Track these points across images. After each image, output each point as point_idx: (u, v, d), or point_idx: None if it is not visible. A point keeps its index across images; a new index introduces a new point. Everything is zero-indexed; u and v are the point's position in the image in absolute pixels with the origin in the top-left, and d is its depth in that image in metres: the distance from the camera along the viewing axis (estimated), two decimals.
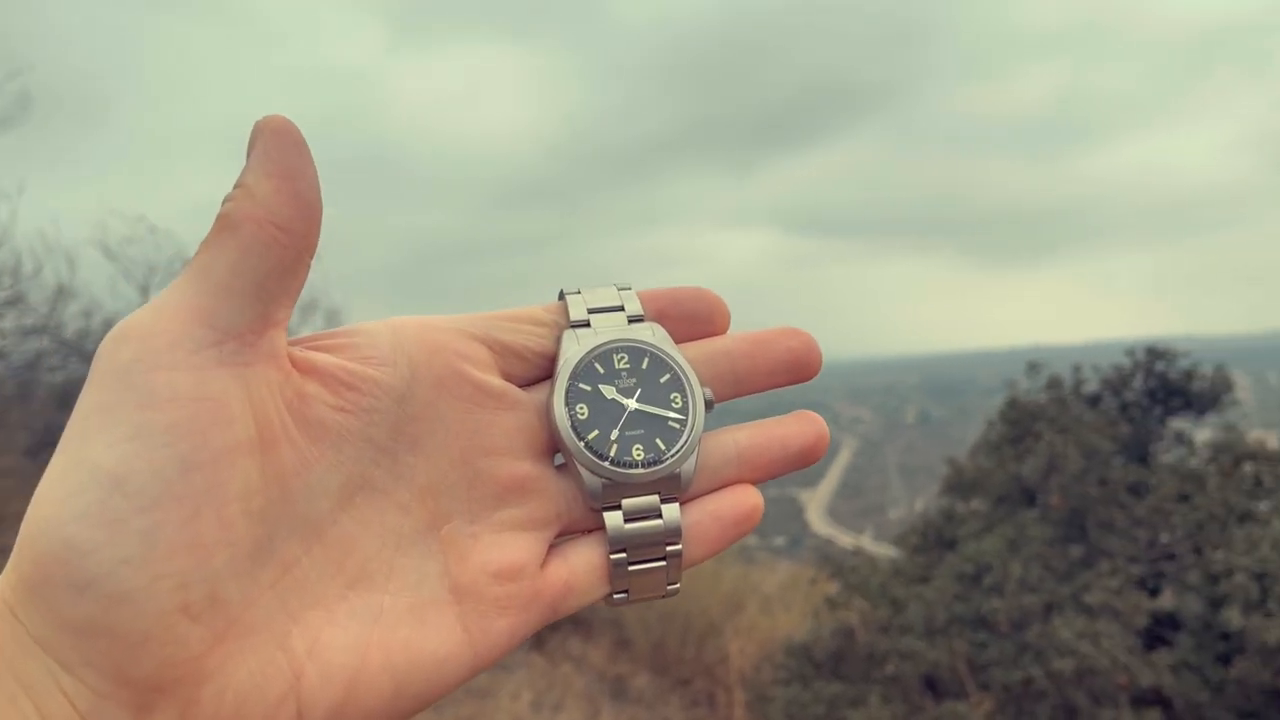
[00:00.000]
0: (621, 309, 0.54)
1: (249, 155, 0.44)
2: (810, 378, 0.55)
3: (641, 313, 0.54)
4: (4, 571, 0.41)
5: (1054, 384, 6.67)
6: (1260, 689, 5.05)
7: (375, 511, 0.47)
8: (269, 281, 0.44)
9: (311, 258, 0.45)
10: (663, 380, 0.52)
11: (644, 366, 0.52)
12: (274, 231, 0.43)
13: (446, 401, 0.49)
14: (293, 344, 0.47)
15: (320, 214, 0.45)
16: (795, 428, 0.54)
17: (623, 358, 0.52)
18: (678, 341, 0.54)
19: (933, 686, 5.56)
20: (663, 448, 0.51)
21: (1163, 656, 5.17)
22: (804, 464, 0.54)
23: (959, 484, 6.68)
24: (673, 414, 0.51)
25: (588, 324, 0.53)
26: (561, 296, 0.54)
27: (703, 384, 0.53)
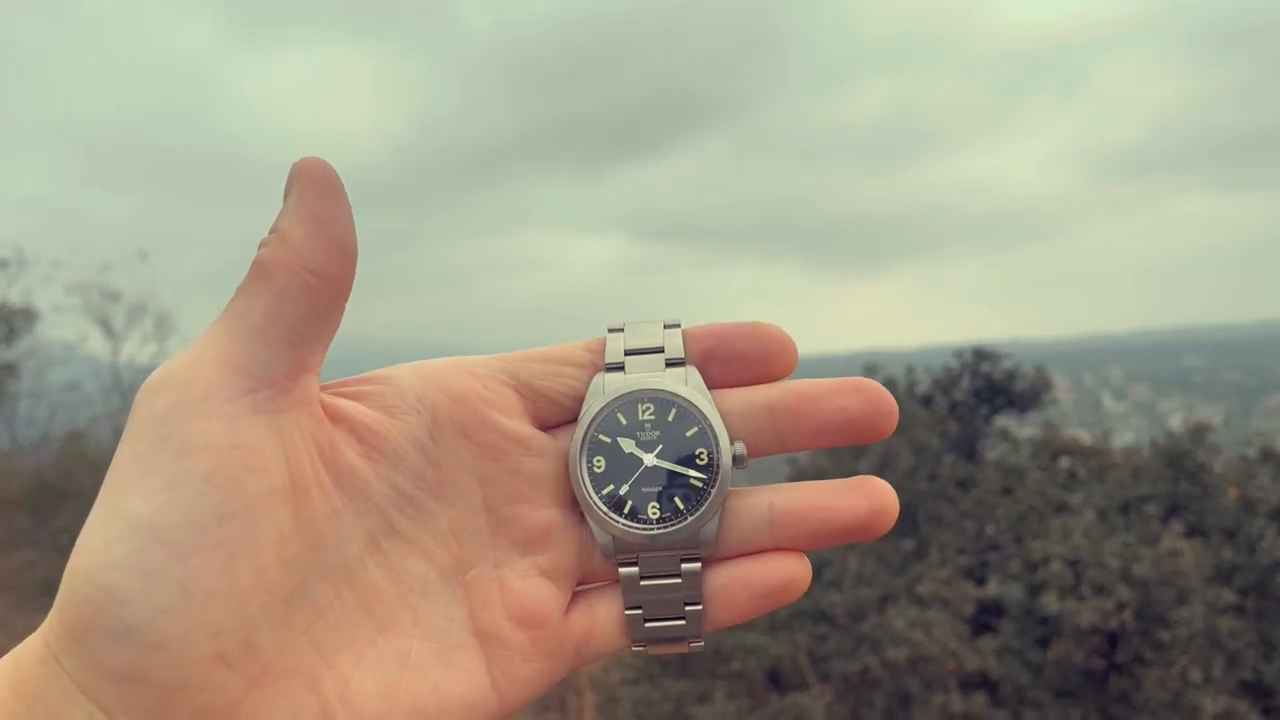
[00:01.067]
0: (661, 350, 0.51)
1: (285, 198, 0.45)
2: (878, 439, 0.49)
3: (681, 356, 0.50)
4: (48, 618, 0.42)
5: (889, 386, 6.95)
6: (1076, 669, 5.38)
7: (401, 558, 0.48)
8: (303, 328, 0.44)
9: (345, 302, 0.46)
10: (689, 434, 0.49)
11: (670, 418, 0.49)
12: (308, 278, 0.44)
13: (470, 449, 0.49)
14: (322, 389, 0.48)
15: (355, 259, 0.45)
16: (844, 499, 0.48)
17: (648, 408, 0.50)
18: (728, 385, 0.51)
19: (776, 680, 5.71)
20: (680, 507, 0.48)
21: (988, 642, 5.44)
22: (853, 540, 0.49)
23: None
24: (695, 472, 0.49)
25: (622, 367, 0.50)
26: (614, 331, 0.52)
27: (736, 438, 0.49)
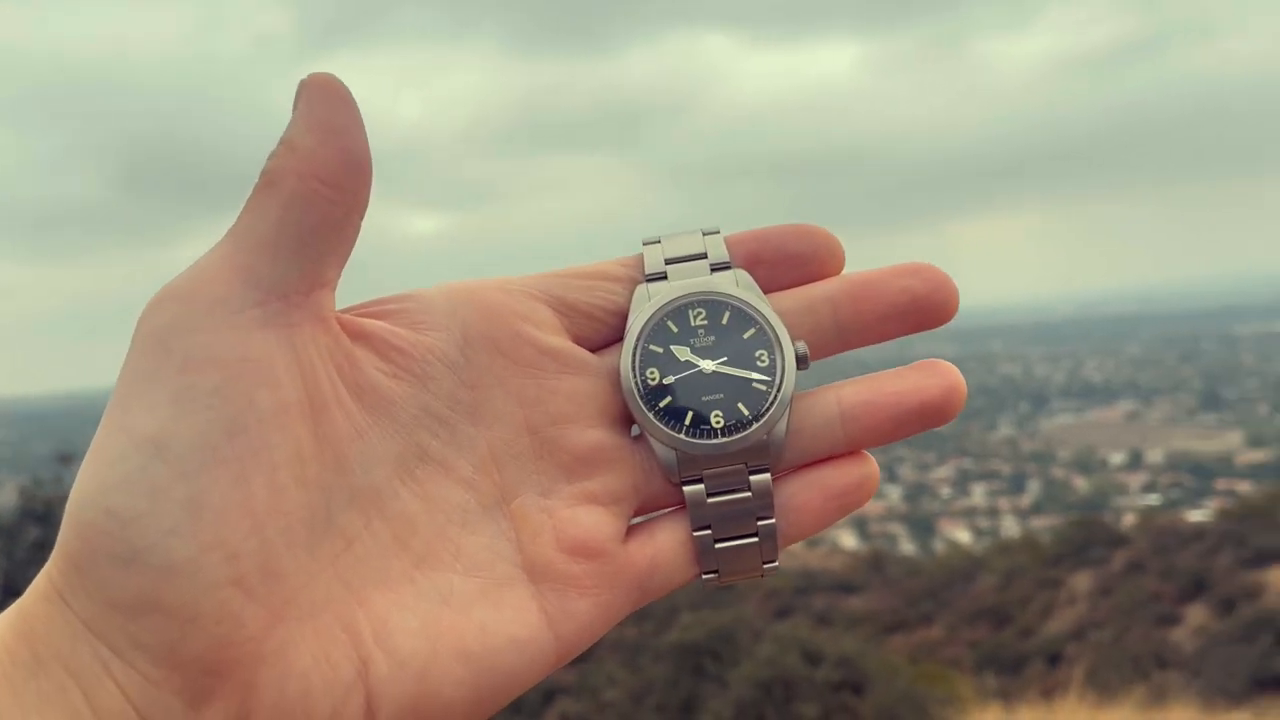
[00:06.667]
0: (704, 256, 0.48)
1: (294, 112, 0.42)
2: (942, 322, 0.47)
3: (727, 259, 0.48)
4: (52, 555, 0.39)
5: None
6: None
7: (437, 486, 0.44)
8: (315, 239, 0.41)
9: (361, 217, 0.43)
10: (746, 336, 0.47)
11: (724, 322, 0.47)
12: (318, 186, 0.41)
13: (506, 366, 0.46)
14: (342, 312, 0.45)
15: (370, 171, 0.42)
16: (914, 380, 0.46)
17: (699, 313, 0.47)
18: (779, 288, 0.49)
19: None
20: (745, 413, 0.46)
21: None
22: (929, 424, 0.46)
23: None
24: (757, 374, 0.46)
25: (664, 276, 0.48)
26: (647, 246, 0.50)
27: (796, 338, 0.47)
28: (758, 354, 0.47)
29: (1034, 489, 47.25)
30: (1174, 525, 17.19)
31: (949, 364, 0.47)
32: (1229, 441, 52.50)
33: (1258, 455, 48.04)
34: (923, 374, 0.47)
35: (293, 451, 0.40)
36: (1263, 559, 13.61)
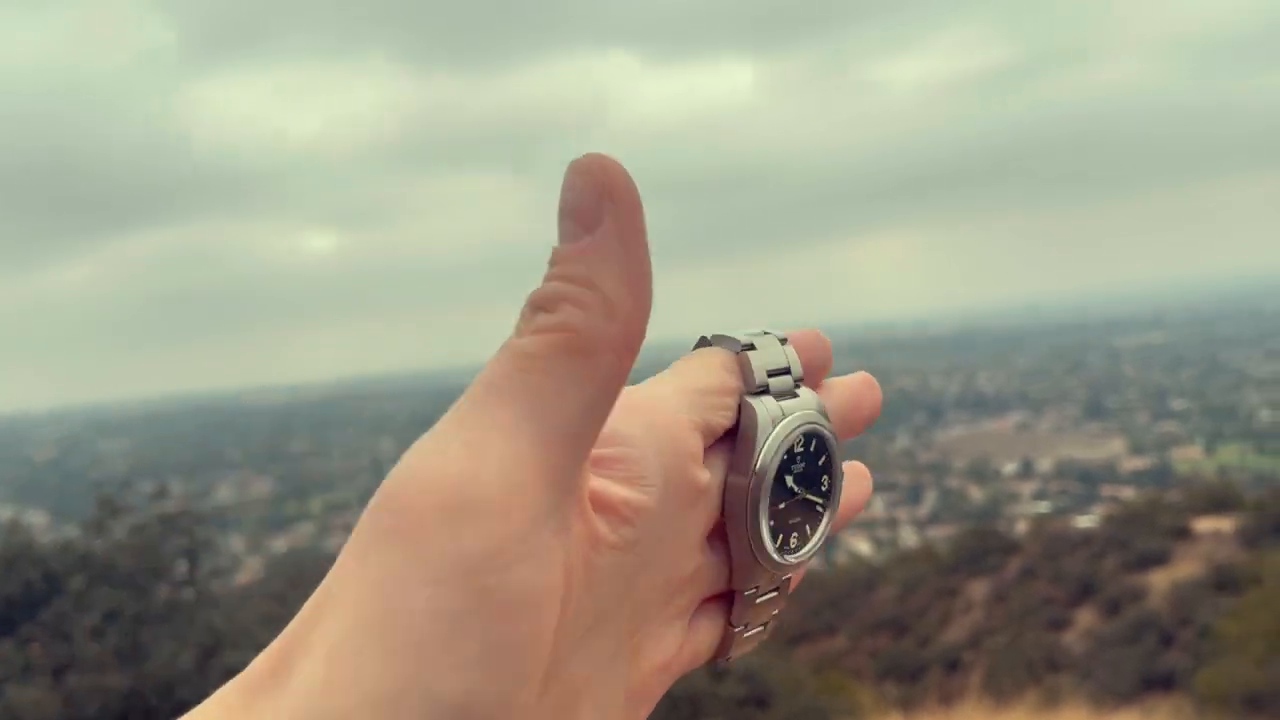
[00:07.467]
0: (788, 371, 0.47)
1: (595, 233, 0.34)
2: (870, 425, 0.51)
3: (802, 375, 0.48)
4: None
5: None
6: None
7: (601, 640, 0.40)
8: (606, 419, 0.36)
9: None
10: (820, 462, 0.48)
11: (811, 448, 0.48)
12: (629, 361, 0.35)
13: (678, 509, 0.42)
14: None
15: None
16: (859, 488, 0.51)
17: (799, 439, 0.47)
18: None
19: None
20: (810, 534, 0.48)
21: None
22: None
23: None
24: (819, 498, 0.48)
25: (767, 389, 0.47)
26: (738, 350, 0.46)
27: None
28: (823, 479, 0.48)
29: (931, 499, 48.44)
30: (1063, 531, 17.81)
31: (866, 468, 0.52)
32: (1112, 449, 54.67)
33: (1138, 462, 50.20)
34: (861, 481, 0.51)
35: (540, 672, 0.35)
36: (1145, 562, 14.20)
